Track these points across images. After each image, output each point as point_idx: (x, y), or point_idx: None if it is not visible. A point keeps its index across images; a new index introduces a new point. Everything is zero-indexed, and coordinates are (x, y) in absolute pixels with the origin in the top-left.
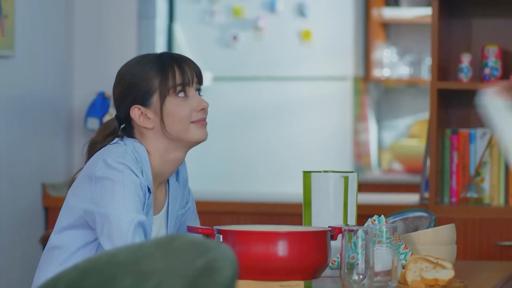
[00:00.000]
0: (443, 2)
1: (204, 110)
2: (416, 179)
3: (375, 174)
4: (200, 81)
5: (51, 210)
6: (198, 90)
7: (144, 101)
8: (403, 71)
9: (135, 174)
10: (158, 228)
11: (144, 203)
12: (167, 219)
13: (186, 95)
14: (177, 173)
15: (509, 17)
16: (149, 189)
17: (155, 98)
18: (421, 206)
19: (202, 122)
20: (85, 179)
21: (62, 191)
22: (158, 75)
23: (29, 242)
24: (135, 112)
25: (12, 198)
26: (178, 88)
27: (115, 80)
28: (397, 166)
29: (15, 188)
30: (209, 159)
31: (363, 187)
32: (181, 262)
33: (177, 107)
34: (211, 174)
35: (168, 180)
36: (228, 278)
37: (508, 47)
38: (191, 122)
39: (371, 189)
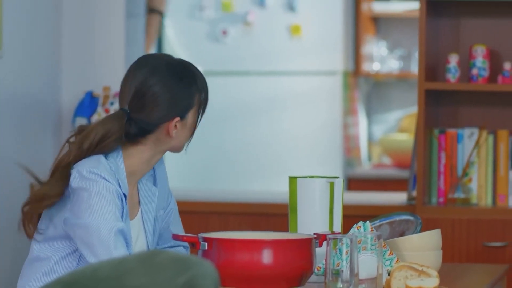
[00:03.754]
0: (431, 2)
1: None
2: (405, 174)
3: (365, 168)
4: None
5: None
6: None
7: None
8: (393, 65)
9: (109, 182)
10: (137, 233)
11: (123, 211)
12: (143, 222)
13: None
14: (154, 175)
15: (497, 17)
16: (125, 196)
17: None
18: (409, 206)
19: None
20: None
21: None
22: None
23: (16, 243)
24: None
25: None
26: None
27: None
28: (386, 160)
29: (2, 188)
30: (198, 154)
31: (352, 182)
32: (163, 279)
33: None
34: (200, 169)
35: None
36: None
37: (496, 47)
38: None
39: (361, 184)
